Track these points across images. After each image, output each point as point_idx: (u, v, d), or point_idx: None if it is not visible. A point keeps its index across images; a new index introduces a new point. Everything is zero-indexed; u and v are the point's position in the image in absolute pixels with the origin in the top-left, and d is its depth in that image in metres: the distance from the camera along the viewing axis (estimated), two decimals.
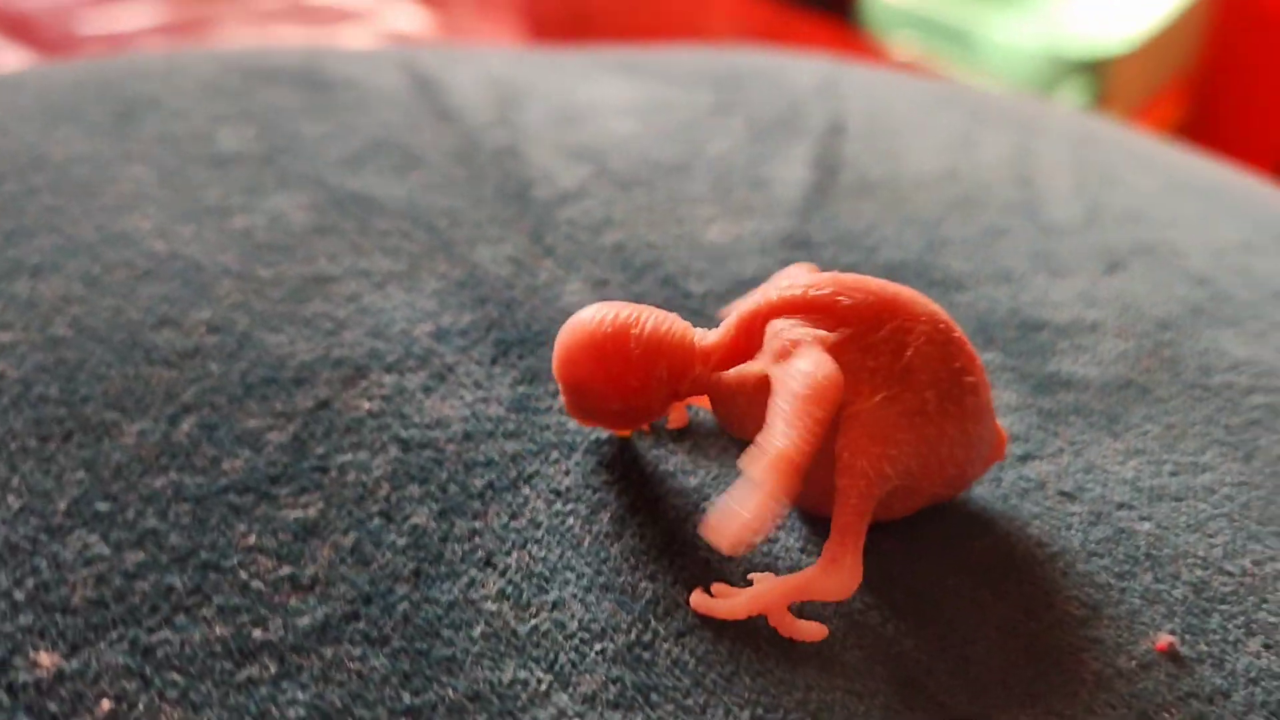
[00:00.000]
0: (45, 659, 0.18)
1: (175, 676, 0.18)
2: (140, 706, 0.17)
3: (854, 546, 0.19)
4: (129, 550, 0.20)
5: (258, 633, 0.18)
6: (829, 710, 0.18)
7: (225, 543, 0.20)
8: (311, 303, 0.26)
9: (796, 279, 0.21)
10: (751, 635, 0.19)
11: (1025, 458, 0.24)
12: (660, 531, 0.21)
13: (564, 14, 1.04)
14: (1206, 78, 1.35)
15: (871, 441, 0.19)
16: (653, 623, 0.19)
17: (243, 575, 0.19)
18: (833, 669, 0.19)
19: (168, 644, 0.18)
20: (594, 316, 0.21)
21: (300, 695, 0.18)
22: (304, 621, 0.19)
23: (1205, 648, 0.20)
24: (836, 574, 0.19)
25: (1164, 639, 0.20)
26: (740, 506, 0.17)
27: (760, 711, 0.18)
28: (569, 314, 0.26)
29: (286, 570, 0.20)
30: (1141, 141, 0.42)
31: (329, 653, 0.18)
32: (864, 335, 0.20)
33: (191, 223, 0.28)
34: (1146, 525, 0.23)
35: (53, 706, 0.17)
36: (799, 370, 0.19)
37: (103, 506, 0.20)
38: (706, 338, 0.21)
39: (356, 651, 0.18)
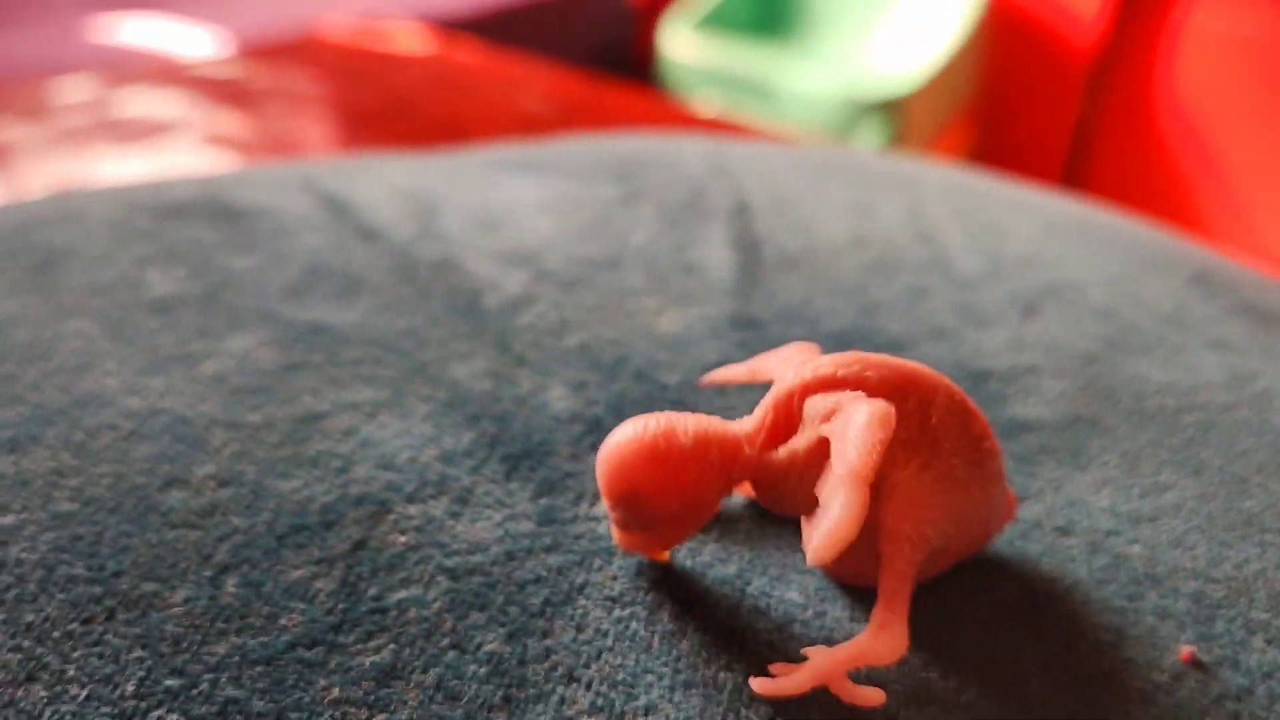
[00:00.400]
0: None
1: None
2: None
3: (901, 610, 0.21)
4: None
5: None
6: None
7: (310, 700, 0.20)
8: (311, 442, 0.26)
9: (812, 359, 0.22)
10: (833, 710, 0.20)
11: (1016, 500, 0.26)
12: (718, 622, 0.22)
13: (380, 108, 1.05)
14: (991, 103, 1.45)
15: (911, 507, 0.21)
16: (742, 711, 0.20)
17: None
18: None
19: None
20: (636, 426, 0.21)
21: None
22: None
23: (1220, 651, 0.23)
24: (887, 638, 0.20)
25: (1185, 649, 0.22)
26: (828, 519, 0.18)
27: None
28: (562, 420, 0.27)
29: (382, 718, 0.20)
30: (1005, 188, 0.45)
31: None
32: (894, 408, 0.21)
33: (158, 374, 0.27)
34: (1136, 548, 0.25)
35: None
36: (857, 409, 0.20)
37: (172, 683, 0.20)
38: (745, 423, 0.22)
39: None
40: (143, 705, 0.19)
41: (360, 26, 1.29)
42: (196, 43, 1.29)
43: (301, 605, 0.21)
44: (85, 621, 0.21)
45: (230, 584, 0.22)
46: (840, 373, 0.21)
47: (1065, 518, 0.26)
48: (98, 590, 0.21)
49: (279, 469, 0.25)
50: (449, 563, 0.23)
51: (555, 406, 0.28)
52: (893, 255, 0.37)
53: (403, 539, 0.23)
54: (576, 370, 0.29)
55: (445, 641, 0.21)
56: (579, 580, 0.23)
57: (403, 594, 0.22)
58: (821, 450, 0.21)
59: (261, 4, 1.44)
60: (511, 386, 0.28)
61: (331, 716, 0.19)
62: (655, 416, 0.22)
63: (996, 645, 0.22)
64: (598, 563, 0.23)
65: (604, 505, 0.24)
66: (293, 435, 0.26)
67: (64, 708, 0.19)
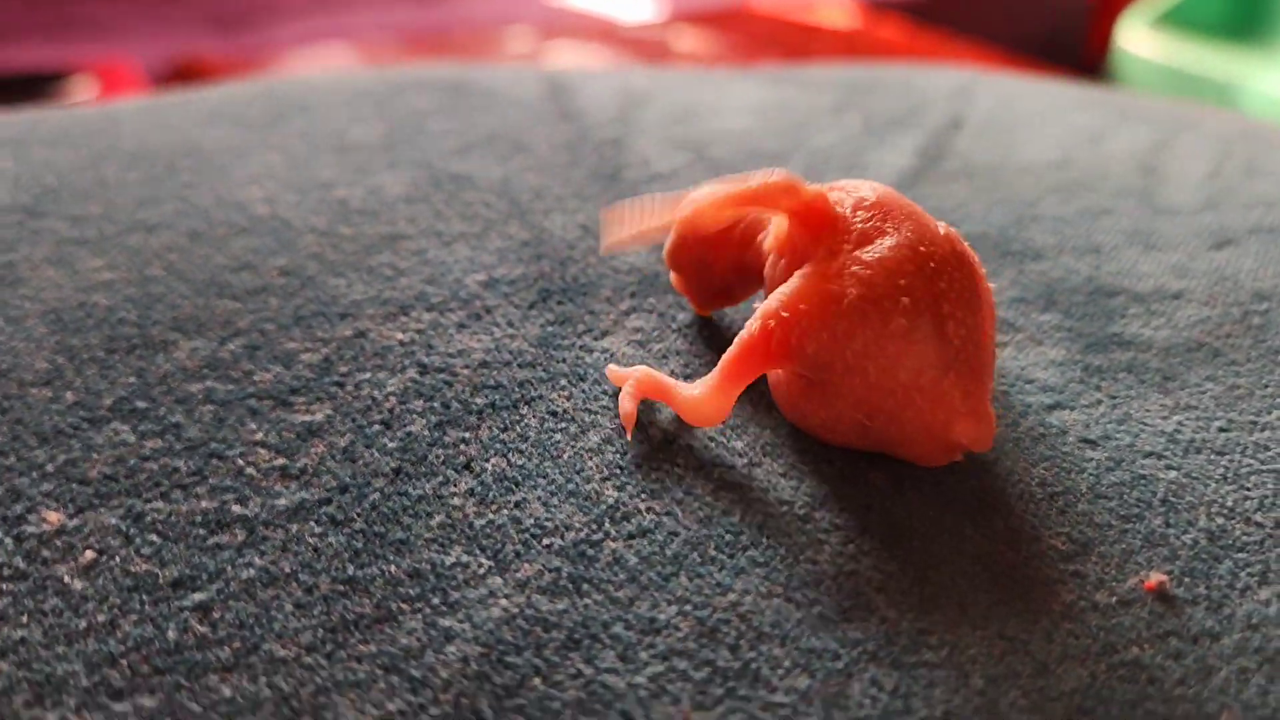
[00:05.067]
0: (52, 517, 0.20)
1: (154, 537, 0.19)
2: (117, 558, 0.19)
3: (728, 380, 0.20)
4: (150, 439, 0.22)
5: (237, 508, 0.20)
6: (759, 614, 0.18)
7: (235, 437, 0.22)
8: (380, 255, 0.28)
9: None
10: (702, 544, 0.19)
11: (1053, 407, 0.23)
12: (643, 452, 0.21)
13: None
14: None
15: (795, 299, 0.20)
16: (606, 525, 0.20)
17: (240, 463, 0.21)
18: (775, 579, 0.19)
19: (156, 512, 0.20)
20: (708, 187, 0.22)
21: (256, 560, 0.19)
22: (281, 503, 0.20)
23: (1204, 591, 0.19)
24: (705, 399, 0.21)
25: (1155, 578, 0.19)
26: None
27: (688, 609, 0.18)
28: (620, 272, 0.27)
29: (280, 461, 0.21)
30: None
31: (294, 529, 0.20)
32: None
33: (298, 193, 0.31)
34: (1171, 474, 0.21)
35: (45, 553, 0.19)
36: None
37: (140, 404, 0.22)
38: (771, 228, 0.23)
39: (319, 530, 0.20)
40: (107, 416, 0.22)
41: (791, 0, 1.31)
42: (638, 7, 1.37)
43: (279, 369, 0.23)
44: (109, 351, 0.24)
45: (233, 344, 0.24)
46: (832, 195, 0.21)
47: (1102, 431, 0.22)
48: (132, 331, 0.25)
49: (337, 269, 0.27)
50: (426, 360, 0.24)
51: (621, 259, 0.28)
52: (1093, 180, 0.33)
53: (400, 336, 0.25)
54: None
55: (378, 418, 0.22)
56: (533, 394, 0.23)
57: (367, 375, 0.23)
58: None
59: None
60: (593, 239, 0.29)
61: (242, 451, 0.21)
62: (721, 185, 0.21)
63: (928, 529, 0.20)
64: (563, 383, 0.23)
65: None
66: (369, 248, 0.28)
67: (54, 407, 0.22)
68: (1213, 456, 0.21)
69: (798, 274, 0.20)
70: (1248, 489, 0.21)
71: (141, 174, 0.32)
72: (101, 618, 0.18)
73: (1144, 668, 0.17)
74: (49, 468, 0.21)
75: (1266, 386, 0.23)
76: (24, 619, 0.18)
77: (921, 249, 0.19)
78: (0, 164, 0.33)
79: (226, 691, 0.17)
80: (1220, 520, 0.20)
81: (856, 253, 0.20)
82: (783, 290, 0.20)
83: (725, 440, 0.22)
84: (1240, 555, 0.19)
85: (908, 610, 0.18)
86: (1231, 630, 0.18)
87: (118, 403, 0.22)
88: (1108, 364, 0.24)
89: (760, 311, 0.20)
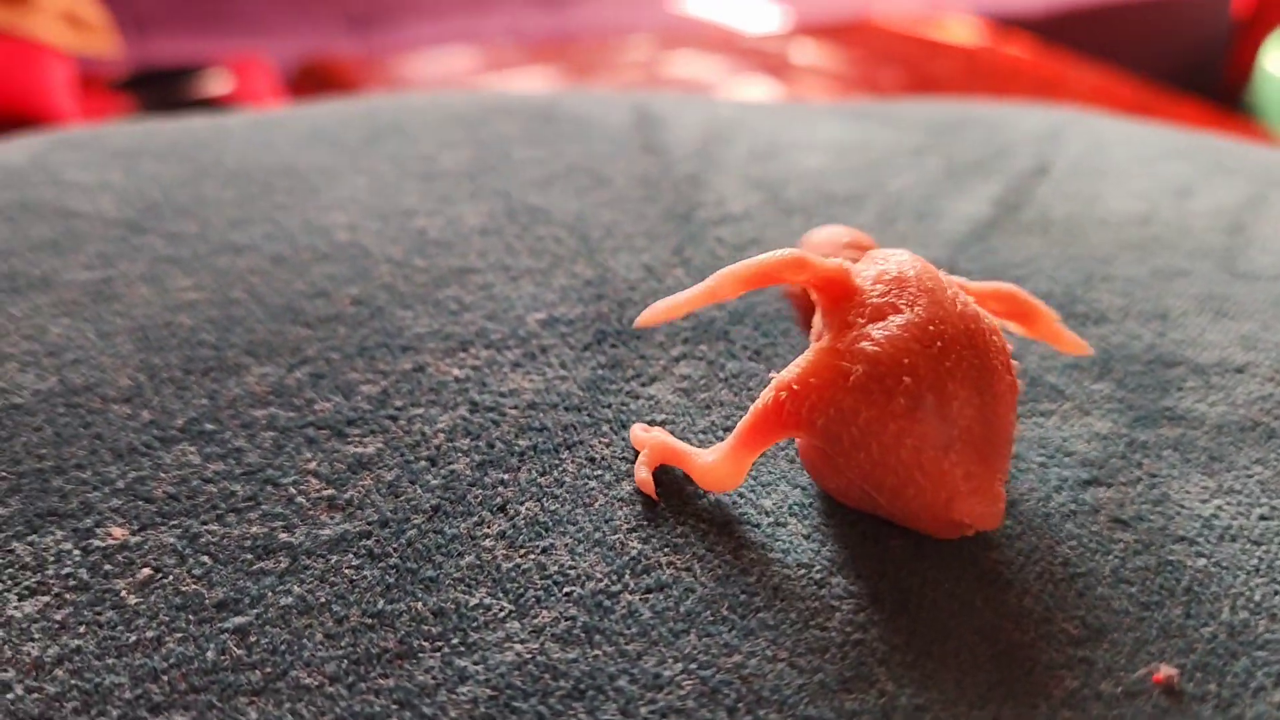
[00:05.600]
0: (117, 532, 0.21)
1: (206, 558, 0.21)
2: (170, 577, 0.20)
3: (738, 449, 0.21)
4: (214, 461, 0.23)
5: (284, 535, 0.21)
6: (761, 678, 0.19)
7: (290, 465, 0.23)
8: (448, 288, 0.29)
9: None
10: (716, 603, 0.20)
11: (1089, 482, 0.23)
12: (673, 505, 0.22)
13: (905, 91, 1.05)
14: None
15: (810, 371, 0.20)
16: (626, 577, 0.20)
17: (292, 491, 0.22)
18: (782, 643, 0.19)
19: (210, 534, 0.21)
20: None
21: (295, 588, 0.20)
22: (325, 533, 0.21)
23: (1216, 688, 0.19)
24: (719, 464, 0.21)
25: (1165, 671, 0.19)
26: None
27: (693, 667, 0.19)
28: (678, 320, 0.27)
29: (329, 492, 0.22)
30: None
31: (334, 560, 0.21)
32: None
33: (380, 221, 0.32)
34: (1201, 561, 0.21)
35: (108, 566, 0.21)
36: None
37: (209, 426, 0.24)
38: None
39: (356, 562, 0.21)
40: (178, 437, 0.24)
41: (915, 15, 1.29)
42: (760, 18, 1.37)
43: (338, 399, 0.25)
44: (186, 372, 0.26)
45: (300, 372, 0.26)
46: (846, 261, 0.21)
47: (1135, 511, 0.22)
48: (210, 354, 0.26)
49: (406, 301, 0.28)
50: (478, 397, 0.25)
51: None
52: (1172, 237, 0.32)
53: (456, 372, 0.26)
54: None
55: (424, 453, 0.23)
56: (575, 439, 0.24)
57: (420, 411, 0.24)
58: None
59: None
60: (655, 281, 0.29)
61: (294, 480, 0.23)
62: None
63: (939, 600, 0.20)
64: (604, 429, 0.24)
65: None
66: (439, 280, 0.29)
67: (130, 424, 0.24)
68: (1247, 545, 0.21)
69: (813, 346, 0.21)
70: (1276, 581, 0.20)
71: (238, 193, 0.33)
72: (150, 634, 0.19)
73: None
74: (120, 484, 0.22)
75: None
76: (81, 629, 0.20)
77: (931, 328, 0.20)
78: (112, 176, 0.35)
79: (253, 715, 0.18)
80: (1244, 614, 0.20)
81: (868, 328, 0.20)
82: (798, 362, 0.20)
83: (754, 498, 0.22)
84: (1260, 653, 0.19)
85: (907, 685, 0.19)
86: None
87: (188, 424, 0.24)
88: (1154, 440, 0.24)
89: (774, 382, 0.20)
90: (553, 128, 0.39)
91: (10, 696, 0.18)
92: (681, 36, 1.23)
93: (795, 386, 0.20)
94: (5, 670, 0.19)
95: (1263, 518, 0.22)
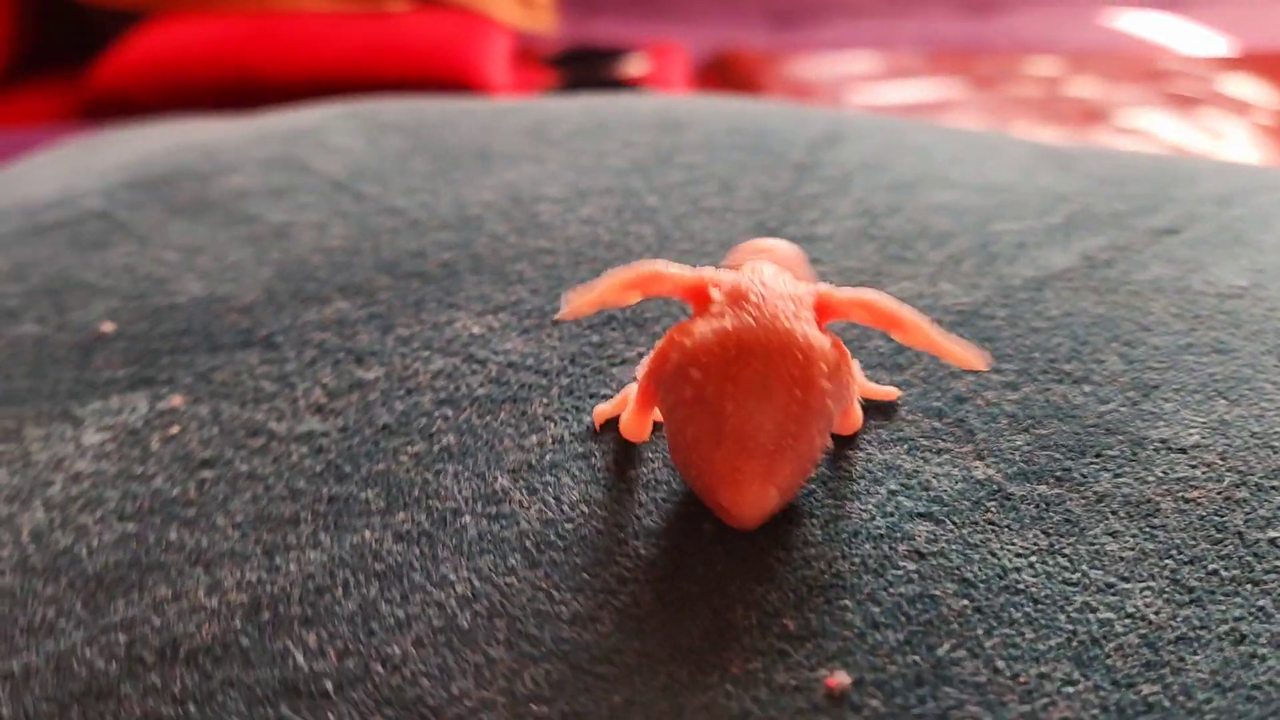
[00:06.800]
0: (176, 400, 0.29)
1: (215, 429, 0.28)
2: (186, 435, 0.28)
3: (638, 407, 0.26)
4: (264, 365, 0.30)
5: (273, 425, 0.28)
6: (517, 595, 0.23)
7: (311, 376, 0.30)
8: (520, 264, 0.34)
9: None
10: (526, 537, 0.24)
11: (921, 516, 0.25)
12: (577, 460, 0.27)
13: None
14: None
15: (678, 333, 0.24)
16: (475, 504, 0.25)
17: (299, 394, 0.29)
18: (552, 577, 0.23)
19: (231, 413, 0.29)
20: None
21: (254, 461, 0.27)
22: (301, 428, 0.28)
23: (877, 705, 0.21)
24: (625, 417, 0.27)
25: (840, 678, 0.21)
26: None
27: (474, 577, 0.24)
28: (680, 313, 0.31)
29: (324, 400, 0.29)
30: None
31: (292, 447, 0.27)
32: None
33: (512, 203, 0.38)
34: (962, 604, 0.22)
35: (155, 421, 0.29)
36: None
37: (279, 339, 0.31)
38: None
39: (305, 452, 0.27)
40: (255, 342, 0.31)
41: None
42: (1199, 43, 1.28)
43: (375, 335, 0.31)
44: (291, 297, 0.33)
45: (364, 311, 0.32)
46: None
47: (938, 549, 0.24)
48: (314, 287, 0.34)
49: (480, 268, 0.34)
50: (477, 352, 0.30)
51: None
52: (1256, 318, 0.31)
53: (475, 329, 0.31)
54: None
55: (408, 386, 0.29)
56: (523, 395, 0.29)
57: (426, 354, 0.30)
58: None
59: None
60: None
61: (308, 387, 0.29)
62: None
63: (705, 577, 0.23)
64: (553, 392, 0.29)
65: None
66: (517, 256, 0.35)
67: (232, 329, 0.32)
68: (1022, 600, 0.22)
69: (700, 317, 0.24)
70: (1017, 646, 0.22)
71: (429, 167, 0.41)
72: (149, 470, 0.27)
73: None
74: (201, 369, 0.31)
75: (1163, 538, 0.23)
76: (111, 456, 0.28)
77: (733, 335, 0.23)
78: (356, 143, 0.44)
79: (172, 536, 0.25)
80: (961, 654, 0.21)
81: (696, 323, 0.23)
82: (681, 328, 0.24)
83: (641, 464, 0.26)
84: (948, 690, 0.21)
85: (624, 627, 0.22)
86: None
87: (268, 335, 0.32)
88: (1022, 495, 0.25)
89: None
90: (731, 138, 0.44)
91: (51, 491, 0.27)
92: (1094, 60, 1.18)
93: (651, 362, 0.24)
94: (53, 475, 0.27)
95: (1066, 582, 0.23)
